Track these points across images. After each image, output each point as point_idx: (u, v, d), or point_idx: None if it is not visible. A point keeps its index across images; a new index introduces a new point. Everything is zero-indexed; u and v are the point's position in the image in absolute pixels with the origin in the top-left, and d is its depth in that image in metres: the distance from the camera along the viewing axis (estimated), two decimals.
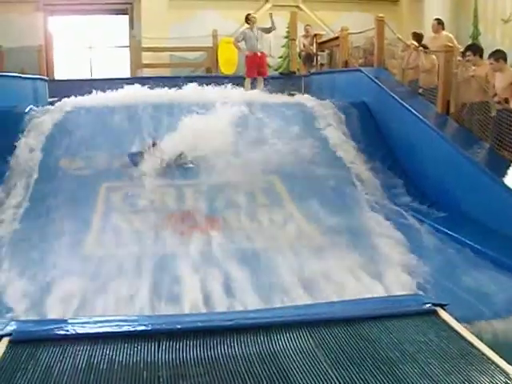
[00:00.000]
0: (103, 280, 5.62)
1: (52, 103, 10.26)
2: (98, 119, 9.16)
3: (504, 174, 6.96)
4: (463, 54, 8.46)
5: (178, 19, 15.39)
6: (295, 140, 8.79)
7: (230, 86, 10.81)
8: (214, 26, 15.27)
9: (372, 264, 6.07)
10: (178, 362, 3.19)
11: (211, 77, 12.98)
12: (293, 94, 11.08)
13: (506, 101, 7.36)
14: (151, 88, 10.59)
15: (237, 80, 11.78)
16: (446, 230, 6.88)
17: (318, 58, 14.60)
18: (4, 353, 3.21)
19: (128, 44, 15.66)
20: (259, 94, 10.75)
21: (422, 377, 3.00)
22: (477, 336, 3.47)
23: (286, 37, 15.55)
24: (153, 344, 3.35)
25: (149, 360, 3.20)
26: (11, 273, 5.73)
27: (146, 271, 5.83)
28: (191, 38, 14.92)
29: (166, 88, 10.53)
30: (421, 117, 8.58)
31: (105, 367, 3.12)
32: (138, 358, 3.22)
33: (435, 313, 3.76)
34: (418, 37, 10.29)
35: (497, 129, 7.42)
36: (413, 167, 8.60)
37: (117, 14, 16.89)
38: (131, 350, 3.29)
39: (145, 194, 7.77)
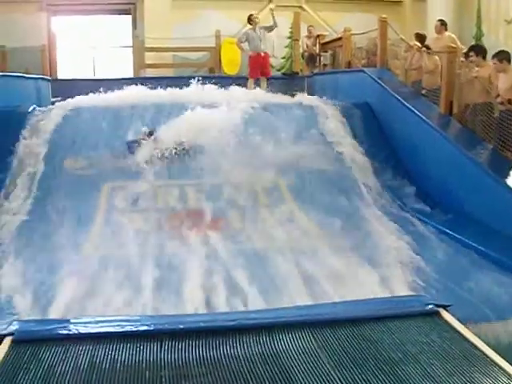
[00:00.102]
0: (103, 279, 5.63)
1: (55, 103, 10.27)
2: (101, 119, 9.16)
3: (507, 174, 6.95)
4: (466, 54, 8.46)
5: (180, 19, 15.37)
6: (297, 139, 8.79)
7: (233, 86, 10.82)
8: (216, 27, 15.25)
9: (375, 264, 6.07)
10: (180, 362, 3.19)
11: (214, 77, 12.94)
12: (295, 95, 11.06)
13: (510, 102, 7.35)
14: (153, 88, 10.59)
15: (240, 80, 11.78)
16: (449, 231, 6.88)
17: (321, 58, 14.57)
18: (6, 352, 3.22)
19: (131, 44, 15.67)
20: (263, 94, 10.74)
21: (425, 378, 3.00)
22: (479, 337, 3.46)
23: (289, 37, 15.54)
24: (155, 344, 3.35)
25: (151, 360, 3.20)
26: None
27: (148, 271, 5.84)
28: (194, 39, 14.91)
29: (169, 88, 10.53)
30: (424, 117, 8.57)
31: (107, 367, 3.12)
32: (141, 358, 3.22)
33: (438, 314, 3.76)
34: (420, 38, 10.27)
35: (500, 130, 7.42)
36: (416, 168, 8.59)
37: (120, 14, 16.88)
38: (134, 350, 3.29)
39: (147, 193, 7.78)
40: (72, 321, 3.71)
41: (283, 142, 8.68)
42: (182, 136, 8.53)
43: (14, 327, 3.47)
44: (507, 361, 3.14)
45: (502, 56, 7.48)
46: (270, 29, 12.17)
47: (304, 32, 15.06)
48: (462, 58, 8.67)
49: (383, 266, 6.06)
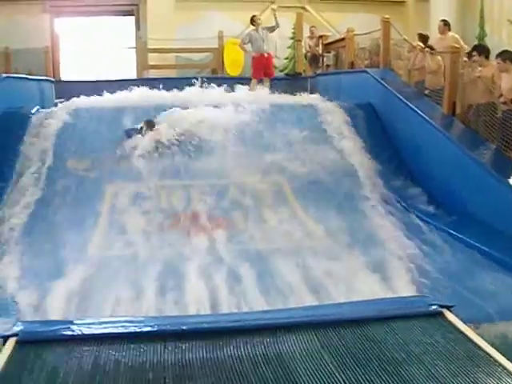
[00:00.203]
0: (107, 280, 5.65)
1: (58, 104, 10.29)
2: (105, 120, 9.19)
3: (510, 175, 6.93)
4: (469, 54, 8.45)
5: (183, 20, 15.39)
6: (300, 139, 8.82)
7: (237, 86, 10.85)
8: (219, 28, 15.26)
9: (378, 264, 6.08)
10: (183, 362, 3.20)
11: (217, 78, 12.96)
12: (299, 95, 11.06)
13: None
14: (157, 88, 10.61)
15: (243, 81, 11.78)
16: (452, 231, 6.87)
17: (324, 59, 14.58)
18: (11, 353, 3.22)
19: (134, 45, 15.69)
20: (266, 95, 10.74)
21: (429, 378, 2.99)
22: (483, 338, 3.46)
23: (292, 38, 15.54)
24: (159, 345, 3.35)
25: (155, 361, 3.20)
26: None
27: (152, 271, 5.85)
28: (197, 40, 14.92)
29: (171, 89, 10.56)
30: (427, 118, 8.56)
31: (111, 368, 3.13)
32: (144, 359, 3.22)
33: (441, 314, 3.75)
34: (423, 38, 10.26)
35: (503, 130, 7.41)
36: (419, 168, 8.58)
37: (123, 15, 16.91)
38: (137, 351, 3.29)
39: (150, 193, 7.80)
40: (76, 322, 3.71)
41: (286, 142, 8.70)
42: (183, 127, 8.66)
43: (18, 328, 3.48)
44: (511, 361, 3.13)
45: (505, 56, 7.47)
46: (271, 29, 12.18)
47: (307, 33, 15.07)
48: (465, 58, 8.66)
49: (386, 266, 6.06)
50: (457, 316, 3.72)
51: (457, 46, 9.00)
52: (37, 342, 3.35)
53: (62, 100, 10.54)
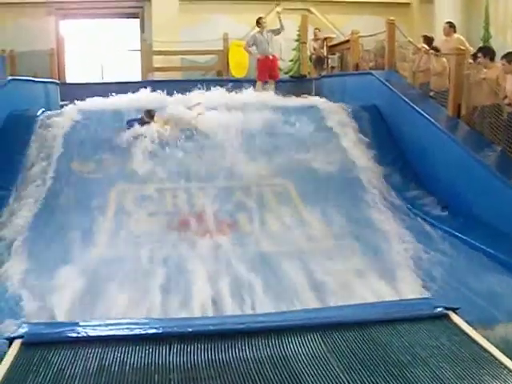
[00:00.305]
0: (112, 281, 5.65)
1: (63, 106, 10.31)
2: (110, 122, 9.20)
3: None
4: (474, 56, 8.43)
5: (188, 23, 15.41)
6: (305, 141, 8.83)
7: (242, 88, 10.87)
8: (224, 30, 15.28)
9: (383, 267, 6.07)
10: (189, 365, 3.20)
11: (222, 80, 12.96)
12: (304, 97, 11.05)
13: None
14: (162, 91, 10.63)
15: (248, 83, 11.79)
16: (458, 234, 6.86)
17: (329, 61, 14.59)
18: (16, 355, 3.23)
19: (139, 47, 15.71)
20: (271, 97, 10.75)
21: (434, 381, 2.99)
22: (489, 340, 3.45)
23: (297, 40, 15.54)
24: (164, 347, 3.36)
25: (160, 363, 3.21)
26: None
27: (157, 273, 5.85)
28: (202, 42, 14.95)
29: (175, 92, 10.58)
30: (432, 120, 8.54)
31: (116, 370, 3.13)
32: (150, 361, 3.23)
33: (447, 317, 3.75)
34: (428, 40, 10.25)
35: (508, 131, 7.39)
36: (424, 170, 8.57)
37: (128, 17, 16.93)
38: (142, 353, 3.30)
39: (155, 195, 7.81)
40: (81, 324, 3.73)
41: (290, 144, 8.70)
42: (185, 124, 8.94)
43: (23, 330, 3.49)
44: None
45: (510, 57, 7.45)
46: (276, 32, 12.17)
47: (311, 35, 15.08)
48: (470, 60, 8.65)
49: (392, 269, 6.06)
50: (462, 318, 3.71)
51: (462, 47, 8.98)
52: (42, 344, 3.36)
53: (67, 102, 10.58)
